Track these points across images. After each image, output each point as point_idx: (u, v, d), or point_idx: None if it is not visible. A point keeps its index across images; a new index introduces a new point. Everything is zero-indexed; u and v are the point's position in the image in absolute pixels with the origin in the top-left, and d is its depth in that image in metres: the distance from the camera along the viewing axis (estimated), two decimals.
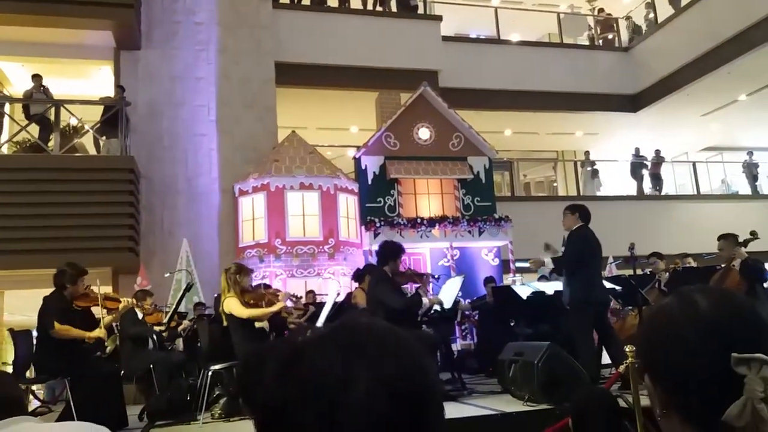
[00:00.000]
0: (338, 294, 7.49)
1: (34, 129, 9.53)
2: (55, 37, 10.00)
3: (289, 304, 6.79)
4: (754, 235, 6.23)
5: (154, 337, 6.25)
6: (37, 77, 9.67)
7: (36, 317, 5.12)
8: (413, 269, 6.82)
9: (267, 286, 7.60)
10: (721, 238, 6.16)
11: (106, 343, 7.25)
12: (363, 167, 10.70)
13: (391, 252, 5.70)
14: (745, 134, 16.06)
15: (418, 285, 6.71)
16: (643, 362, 0.89)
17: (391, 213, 10.55)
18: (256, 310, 5.36)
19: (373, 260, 9.35)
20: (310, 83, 11.82)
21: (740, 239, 6.11)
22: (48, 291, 5.21)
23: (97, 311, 5.37)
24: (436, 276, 7.39)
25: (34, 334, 6.21)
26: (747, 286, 5.78)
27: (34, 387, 5.61)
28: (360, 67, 11.82)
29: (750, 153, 15.32)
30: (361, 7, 12.63)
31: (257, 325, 5.63)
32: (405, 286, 6.58)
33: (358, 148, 10.92)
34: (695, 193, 14.66)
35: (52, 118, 9.36)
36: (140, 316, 6.56)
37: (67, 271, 5.18)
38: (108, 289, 9.22)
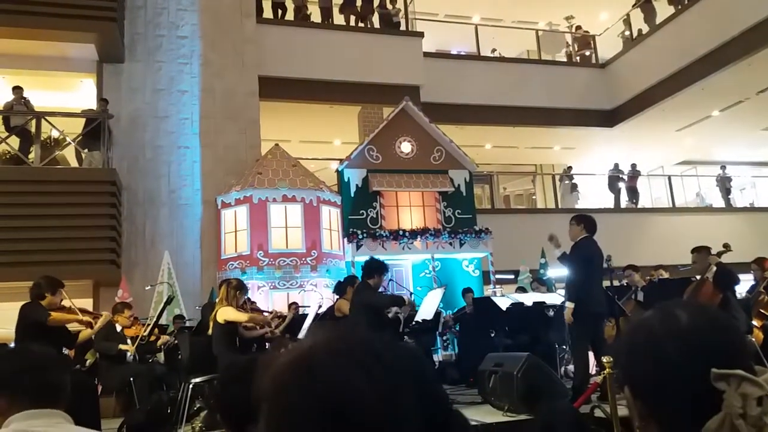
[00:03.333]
0: (320, 306, 7.53)
1: (15, 141, 9.47)
2: (37, 49, 9.96)
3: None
4: (726, 247, 6.36)
5: (128, 351, 6.21)
6: (17, 89, 9.61)
7: (13, 330, 5.08)
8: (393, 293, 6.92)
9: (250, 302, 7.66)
10: (694, 251, 6.27)
11: (85, 357, 7.23)
12: (346, 180, 10.78)
13: (376, 268, 5.78)
14: (719, 149, 16.46)
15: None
16: (624, 375, 0.89)
17: (374, 225, 10.63)
18: (249, 315, 5.45)
19: (355, 272, 9.43)
20: (294, 97, 11.92)
21: (713, 251, 6.25)
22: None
23: (72, 327, 5.36)
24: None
25: (11, 347, 6.16)
26: (721, 296, 5.90)
27: None
28: (343, 81, 11.94)
29: (723, 167, 15.69)
30: (344, 23, 12.78)
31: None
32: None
33: (341, 161, 11.01)
34: (671, 206, 14.96)
35: (33, 130, 9.32)
36: (119, 329, 6.54)
37: (43, 282, 5.16)
38: (88, 302, 9.19)
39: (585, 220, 5.77)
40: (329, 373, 0.63)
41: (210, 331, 5.43)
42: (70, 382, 1.66)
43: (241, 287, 5.56)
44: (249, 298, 8.13)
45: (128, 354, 6.28)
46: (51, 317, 4.89)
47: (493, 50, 15.05)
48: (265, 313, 6.34)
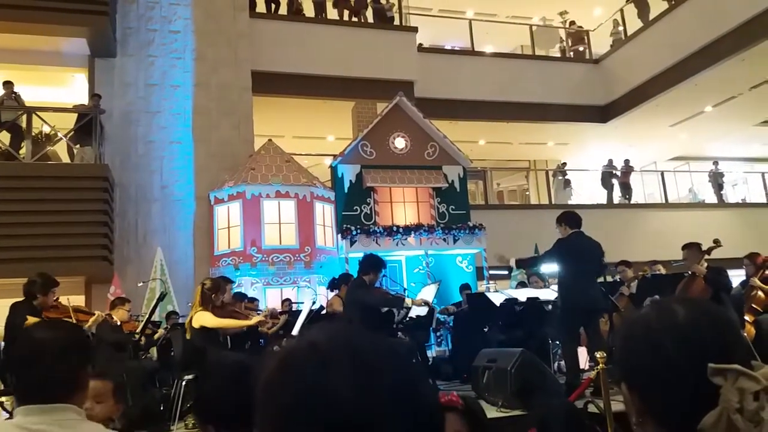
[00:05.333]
0: (313, 303, 7.52)
1: (5, 136, 9.39)
2: (28, 43, 9.88)
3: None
4: (717, 243, 6.35)
5: (130, 347, 6.19)
6: (8, 84, 9.52)
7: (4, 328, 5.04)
8: (388, 290, 6.87)
9: (243, 297, 7.60)
10: (685, 247, 6.28)
11: None
12: (339, 176, 10.76)
13: (373, 264, 5.69)
14: (711, 145, 16.53)
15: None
16: (620, 370, 0.90)
17: (368, 221, 10.61)
18: (227, 321, 5.35)
19: (349, 269, 9.42)
20: (287, 92, 11.87)
21: (704, 247, 6.26)
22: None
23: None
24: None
25: (1, 345, 6.11)
26: (712, 293, 5.91)
27: (2, 399, 5.51)
28: (336, 76, 11.90)
29: (716, 163, 15.75)
30: (338, 18, 12.74)
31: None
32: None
33: (335, 156, 10.98)
34: (663, 201, 15.01)
35: (24, 125, 9.24)
36: (118, 323, 6.50)
37: (38, 281, 5.08)
38: (80, 299, 9.14)
39: (564, 217, 5.76)
40: (305, 372, 0.64)
41: (188, 335, 5.37)
42: (81, 369, 1.52)
43: (217, 288, 5.41)
44: (245, 295, 8.11)
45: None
46: (27, 322, 4.77)
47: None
48: (260, 313, 6.28)
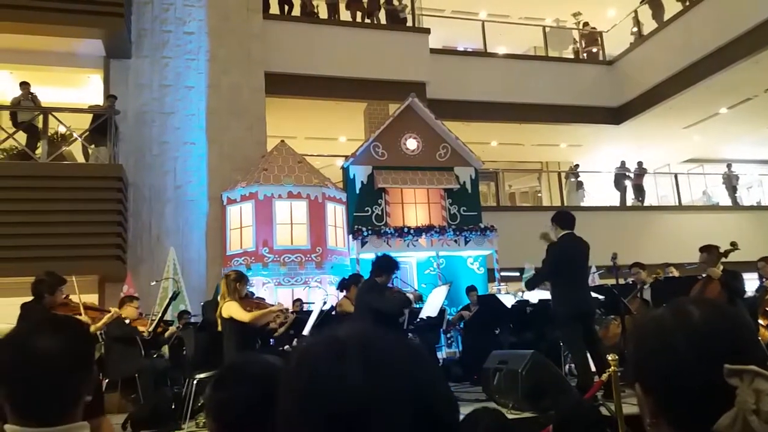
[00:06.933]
0: (324, 303, 7.53)
1: (22, 137, 9.51)
2: (44, 44, 9.99)
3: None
4: (734, 246, 6.26)
5: (140, 342, 6.22)
6: (25, 84, 9.63)
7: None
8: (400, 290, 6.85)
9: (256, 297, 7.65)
10: (703, 249, 6.19)
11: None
12: (351, 177, 10.78)
13: (386, 265, 5.61)
14: (726, 147, 16.38)
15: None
16: (634, 371, 0.89)
17: (379, 222, 10.62)
18: (256, 312, 5.40)
19: (360, 269, 9.43)
20: (300, 93, 11.91)
21: (721, 250, 6.18)
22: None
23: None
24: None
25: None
26: (727, 297, 5.84)
27: None
28: (349, 78, 11.93)
29: (729, 165, 15.61)
30: (351, 19, 12.77)
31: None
32: None
33: (347, 157, 11.01)
34: (677, 204, 14.90)
35: (40, 125, 9.35)
36: (128, 321, 6.55)
37: (46, 279, 5.07)
38: (94, 298, 9.22)
39: (556, 218, 5.71)
40: (319, 362, 0.66)
41: (219, 328, 5.38)
42: (85, 383, 1.28)
43: (240, 278, 5.45)
44: (253, 293, 8.16)
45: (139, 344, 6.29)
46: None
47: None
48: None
